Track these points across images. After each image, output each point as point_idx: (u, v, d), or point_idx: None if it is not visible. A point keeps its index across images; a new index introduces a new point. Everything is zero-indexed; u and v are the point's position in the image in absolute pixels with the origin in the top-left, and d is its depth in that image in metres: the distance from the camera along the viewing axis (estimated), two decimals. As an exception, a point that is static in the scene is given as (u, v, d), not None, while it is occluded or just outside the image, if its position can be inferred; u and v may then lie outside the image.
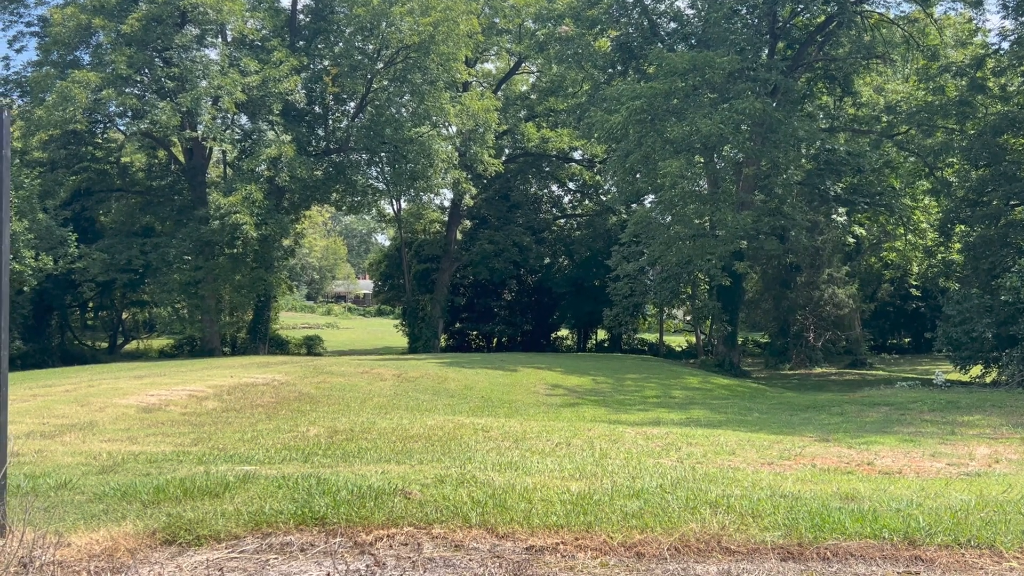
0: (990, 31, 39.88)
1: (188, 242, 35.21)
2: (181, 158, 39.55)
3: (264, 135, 36.22)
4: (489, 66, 52.60)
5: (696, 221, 33.43)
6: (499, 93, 48.50)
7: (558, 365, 28.84)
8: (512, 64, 50.04)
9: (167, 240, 36.27)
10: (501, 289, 52.01)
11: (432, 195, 45.51)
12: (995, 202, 33.40)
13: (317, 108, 40.08)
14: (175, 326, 42.46)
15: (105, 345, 45.55)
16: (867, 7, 34.93)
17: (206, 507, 5.99)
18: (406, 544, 5.33)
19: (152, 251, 35.94)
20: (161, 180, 41.65)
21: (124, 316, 47.01)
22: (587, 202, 54.86)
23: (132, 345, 46.90)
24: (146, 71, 34.43)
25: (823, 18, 35.14)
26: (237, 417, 14.54)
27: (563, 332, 56.76)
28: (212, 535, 5.46)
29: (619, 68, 38.58)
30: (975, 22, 37.26)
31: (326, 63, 39.16)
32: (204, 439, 11.32)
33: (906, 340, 57.52)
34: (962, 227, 37.00)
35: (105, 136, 40.50)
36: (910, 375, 33.80)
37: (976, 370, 27.76)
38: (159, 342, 45.99)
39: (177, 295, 37.36)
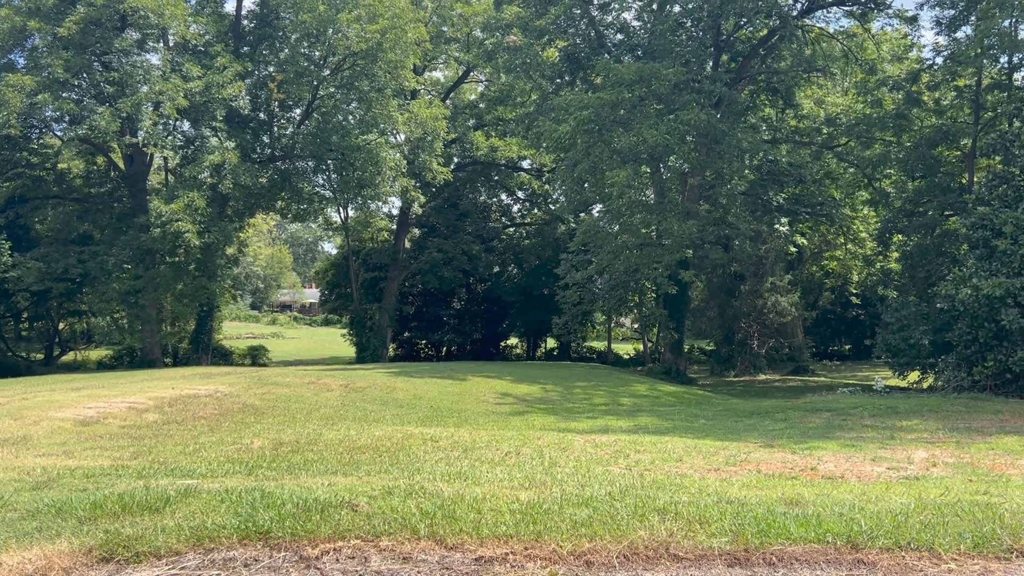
0: (924, 47, 41.25)
1: (128, 250, 34.37)
2: (121, 165, 38.63)
3: (207, 141, 35.55)
4: (437, 74, 52.54)
5: (643, 230, 33.80)
6: (448, 101, 48.46)
7: (507, 373, 28.83)
8: (460, 73, 50.06)
9: (106, 248, 35.35)
10: (450, 298, 51.87)
11: (380, 203, 45.24)
12: (931, 212, 34.42)
13: (262, 114, 39.51)
14: (114, 336, 41.37)
15: (41, 356, 44.17)
16: (808, 21, 35.78)
17: (145, 523, 5.82)
18: (353, 557, 5.25)
19: (90, 259, 35.00)
20: (100, 187, 40.62)
21: (61, 326, 45.62)
22: (536, 211, 55.09)
23: (69, 356, 45.54)
24: (84, 75, 33.56)
25: (765, 32, 35.89)
26: (179, 430, 14.22)
27: (513, 340, 56.79)
28: (152, 551, 5.30)
29: (567, 78, 38.88)
30: (910, 38, 38.43)
31: (271, 69, 38.64)
32: (144, 452, 11.04)
33: (847, 347, 58.85)
34: (899, 237, 38.05)
35: (41, 142, 39.33)
36: (851, 381, 34.57)
37: (914, 376, 28.49)
38: (97, 353, 44.74)
39: (116, 305, 36.42)
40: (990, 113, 32.77)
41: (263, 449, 11.11)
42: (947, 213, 33.61)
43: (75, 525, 5.87)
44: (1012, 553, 5.35)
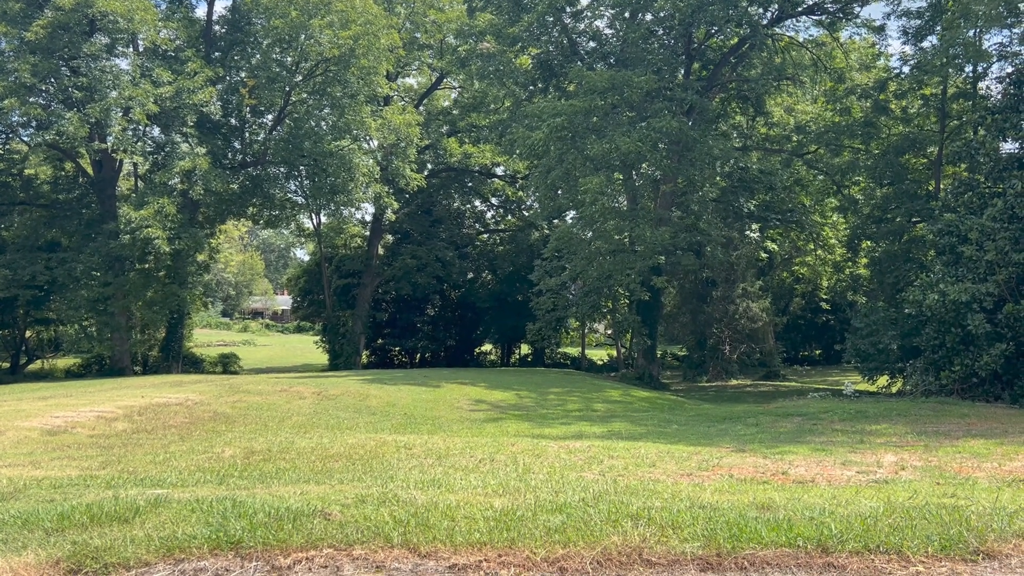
0: (892, 56, 41.86)
1: (97, 257, 33.94)
2: (89, 170, 38.15)
3: (177, 147, 35.21)
4: (411, 81, 52.53)
5: (616, 237, 33.96)
6: (421, 108, 48.42)
7: (482, 380, 28.80)
8: (434, 79, 50.06)
9: (74, 255, 34.88)
10: (424, 304, 51.74)
11: (353, 209, 45.01)
12: (898, 219, 34.92)
13: (233, 120, 39.19)
14: (82, 345, 40.76)
15: (7, 365, 43.36)
16: (778, 30, 36.21)
17: (114, 533, 5.74)
18: (326, 566, 5.21)
19: (58, 266, 34.51)
20: (68, 193, 40.04)
21: (27, 335, 44.82)
22: (510, 217, 55.16)
23: (36, 365, 44.80)
24: (52, 80, 33.11)
25: (736, 40, 36.25)
26: (148, 439, 14.06)
27: (487, 347, 56.76)
28: (121, 563, 5.23)
29: (540, 85, 39.00)
30: (878, 47, 39.01)
31: (243, 75, 38.36)
32: (113, 462, 10.90)
33: (817, 352, 59.48)
34: (868, 243, 38.55)
35: (7, 147, 38.77)
36: (821, 386, 34.92)
37: (883, 380, 28.83)
38: (65, 362, 44.05)
39: (85, 312, 35.93)
40: (955, 121, 33.35)
41: (234, 458, 11.01)
42: (914, 220, 34.11)
43: (42, 536, 5.78)
44: (978, 555, 5.43)
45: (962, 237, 23.87)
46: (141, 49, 36.76)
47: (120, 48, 35.15)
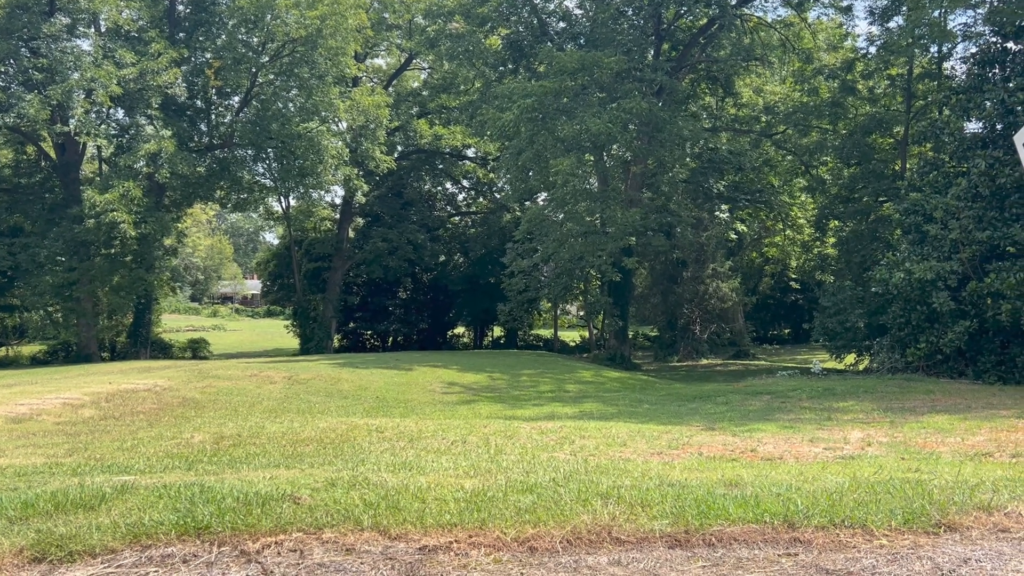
0: (859, 36, 42.30)
1: (61, 242, 33.38)
2: (52, 154, 37.40)
3: (142, 130, 34.65)
4: (379, 61, 51.99)
5: (587, 218, 34.01)
6: (390, 89, 47.99)
7: (454, 363, 28.80)
8: (403, 60, 49.60)
9: (38, 240, 34.28)
10: (396, 288, 51.52)
11: (322, 192, 44.55)
12: (865, 199, 35.31)
13: (199, 102, 38.57)
14: (48, 331, 40.13)
15: (-30, 353, 42.64)
16: (746, 11, 36.30)
17: (80, 521, 5.67)
18: (295, 550, 5.18)
19: (21, 252, 33.91)
20: (30, 177, 39.27)
21: (-9, 322, 44.11)
22: (481, 199, 55.00)
23: (0, 352, 44.09)
24: (11, 62, 32.37)
25: (705, 20, 36.30)
26: (116, 425, 13.91)
27: (459, 330, 56.70)
28: (86, 550, 5.17)
29: (510, 66, 38.83)
30: (845, 27, 39.28)
31: (208, 56, 37.72)
32: (79, 449, 10.77)
33: (786, 331, 60.11)
34: (836, 223, 38.99)
35: (-34, 131, 37.92)
36: (790, 364, 35.32)
37: (850, 358, 29.24)
38: (31, 348, 43.32)
39: (50, 298, 35.35)
40: (921, 102, 33.72)
41: (204, 443, 10.93)
42: (881, 199, 34.50)
43: (5, 525, 5.69)
44: (940, 528, 5.52)
45: (927, 216, 24.17)
46: (103, 30, 36.00)
47: (81, 29, 34.42)
